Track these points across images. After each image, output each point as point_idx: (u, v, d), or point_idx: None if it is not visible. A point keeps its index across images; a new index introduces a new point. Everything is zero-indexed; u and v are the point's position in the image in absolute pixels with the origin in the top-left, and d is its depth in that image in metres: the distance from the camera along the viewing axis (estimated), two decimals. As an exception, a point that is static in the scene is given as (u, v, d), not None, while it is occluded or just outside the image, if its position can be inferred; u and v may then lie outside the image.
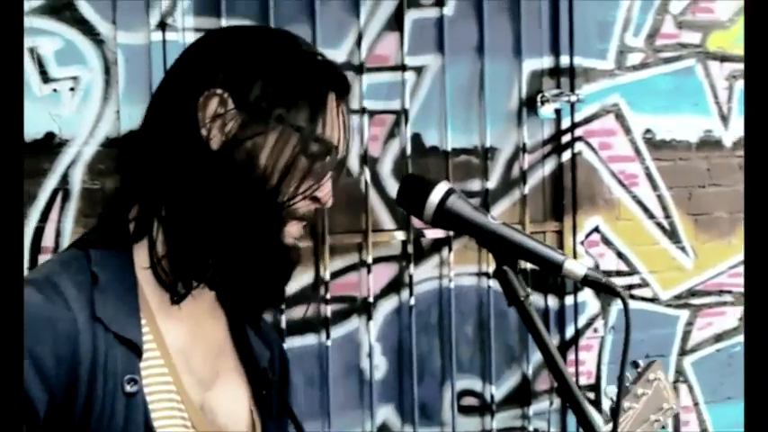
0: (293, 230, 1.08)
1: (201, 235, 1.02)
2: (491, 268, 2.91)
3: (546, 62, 3.01)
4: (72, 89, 2.47)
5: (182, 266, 1.03)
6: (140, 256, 1.05)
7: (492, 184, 2.94)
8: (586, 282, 1.04)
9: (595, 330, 3.10)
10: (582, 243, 3.07)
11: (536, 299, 3.04)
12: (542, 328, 1.06)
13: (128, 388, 0.98)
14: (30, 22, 2.42)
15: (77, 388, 0.95)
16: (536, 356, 3.02)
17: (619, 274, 3.15)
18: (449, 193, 1.09)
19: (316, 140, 1.05)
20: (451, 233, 2.79)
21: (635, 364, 1.66)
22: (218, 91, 1.03)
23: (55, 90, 2.46)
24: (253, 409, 1.16)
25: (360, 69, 2.73)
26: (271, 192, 1.03)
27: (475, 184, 2.93)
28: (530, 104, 2.97)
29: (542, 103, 2.96)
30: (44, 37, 2.44)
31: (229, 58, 1.06)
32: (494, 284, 2.93)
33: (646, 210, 3.18)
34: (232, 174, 1.02)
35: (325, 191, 1.10)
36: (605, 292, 1.05)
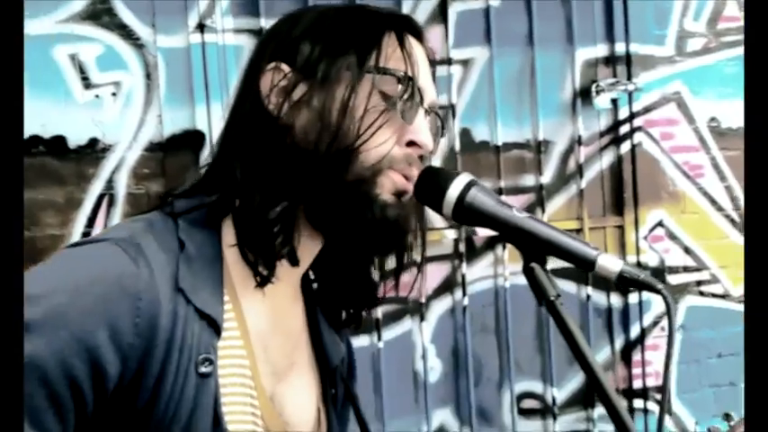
0: (387, 183, 0.98)
1: (279, 198, 0.97)
2: (548, 266, 2.79)
3: (600, 50, 2.88)
4: (114, 94, 2.46)
5: (263, 240, 0.97)
6: (228, 233, 0.99)
7: (546, 179, 2.83)
8: (623, 279, 0.93)
9: (663, 329, 2.95)
10: (645, 238, 2.92)
11: (599, 297, 2.91)
12: (576, 331, 0.96)
13: (202, 368, 0.91)
14: (70, 28, 2.42)
15: (150, 363, 0.88)
16: (598, 357, 2.90)
17: (686, 270, 3.00)
18: (469, 185, 1.00)
19: (368, 72, 0.98)
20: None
21: (727, 417, 1.52)
22: (272, 64, 1.01)
23: (97, 96, 2.45)
24: (320, 406, 1.10)
25: (404, 64, 2.65)
26: (341, 141, 0.96)
27: (528, 180, 2.82)
28: (584, 95, 2.85)
29: (597, 92, 2.84)
30: (85, 43, 2.43)
31: (278, 31, 1.04)
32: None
33: (713, 202, 3.02)
34: (302, 134, 0.97)
35: (420, 133, 1.00)
36: (645, 290, 0.94)
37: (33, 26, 2.40)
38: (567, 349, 3.02)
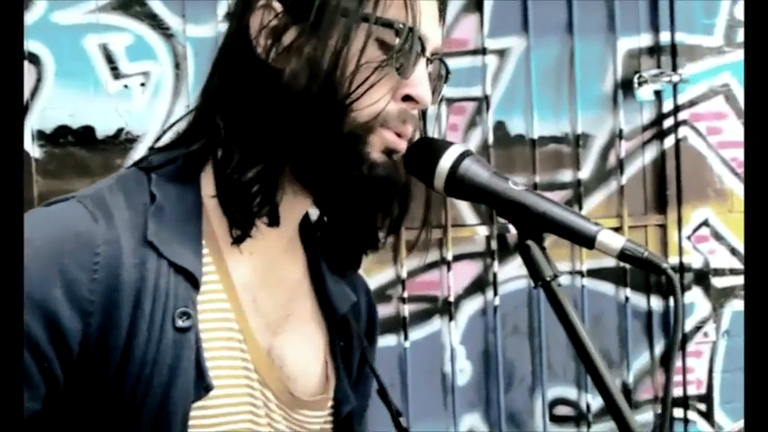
0: (377, 141, 0.93)
1: (261, 153, 0.93)
2: (585, 266, 2.69)
3: (644, 40, 2.76)
4: (143, 84, 2.44)
5: (240, 200, 0.93)
6: (208, 184, 0.96)
7: (585, 174, 2.72)
8: (625, 257, 0.86)
9: (706, 335, 2.82)
10: (689, 238, 2.80)
11: (638, 300, 2.79)
12: (573, 316, 0.89)
13: (179, 322, 0.88)
14: (99, 18, 2.41)
15: (117, 319, 0.86)
16: (637, 363, 2.78)
17: (733, 272, 2.86)
18: (463, 156, 0.93)
19: (365, 20, 0.91)
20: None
21: None
22: (263, 1, 0.95)
23: (126, 86, 2.43)
24: (329, 360, 1.06)
25: (436, 54, 2.58)
26: (331, 92, 0.91)
27: (566, 175, 2.72)
28: (626, 87, 2.74)
29: (640, 84, 2.72)
30: (114, 33, 2.42)
31: None
32: (588, 283, 2.71)
33: (763, 201, 2.87)
34: (291, 80, 0.92)
35: (418, 86, 0.94)
36: (648, 269, 0.86)
37: (63, 16, 2.39)
38: (603, 354, 2.88)
